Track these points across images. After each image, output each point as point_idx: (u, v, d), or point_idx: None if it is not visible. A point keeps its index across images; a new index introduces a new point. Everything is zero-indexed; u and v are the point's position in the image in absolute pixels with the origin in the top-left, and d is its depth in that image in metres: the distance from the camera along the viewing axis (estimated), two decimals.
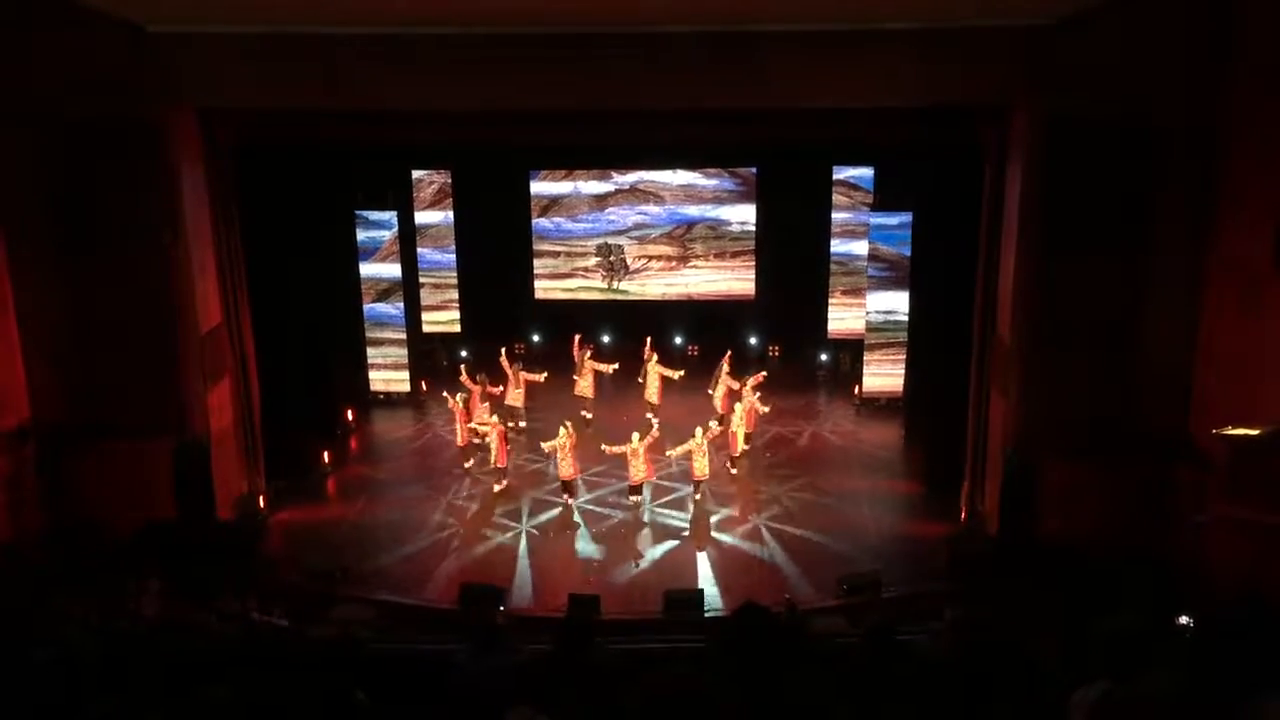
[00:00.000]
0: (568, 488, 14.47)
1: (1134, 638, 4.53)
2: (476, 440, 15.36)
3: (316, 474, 15.51)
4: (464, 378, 16.17)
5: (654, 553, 13.45)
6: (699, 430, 14.23)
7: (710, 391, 16.28)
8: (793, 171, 18.13)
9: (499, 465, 14.84)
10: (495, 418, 15.07)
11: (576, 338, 17.24)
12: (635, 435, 14.12)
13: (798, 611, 10.80)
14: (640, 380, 16.84)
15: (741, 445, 15.31)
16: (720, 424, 15.33)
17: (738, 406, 15.46)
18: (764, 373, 16.10)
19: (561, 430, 14.24)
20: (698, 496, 14.43)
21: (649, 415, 16.38)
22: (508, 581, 12.70)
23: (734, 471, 15.33)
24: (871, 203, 17.52)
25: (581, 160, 18.83)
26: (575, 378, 16.89)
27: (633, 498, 14.31)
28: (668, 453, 14.54)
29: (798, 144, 16.47)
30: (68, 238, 12.30)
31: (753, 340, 19.02)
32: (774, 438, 16.60)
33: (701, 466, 14.21)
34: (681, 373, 16.60)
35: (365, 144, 15.55)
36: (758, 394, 15.54)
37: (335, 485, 15.53)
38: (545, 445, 14.50)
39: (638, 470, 14.12)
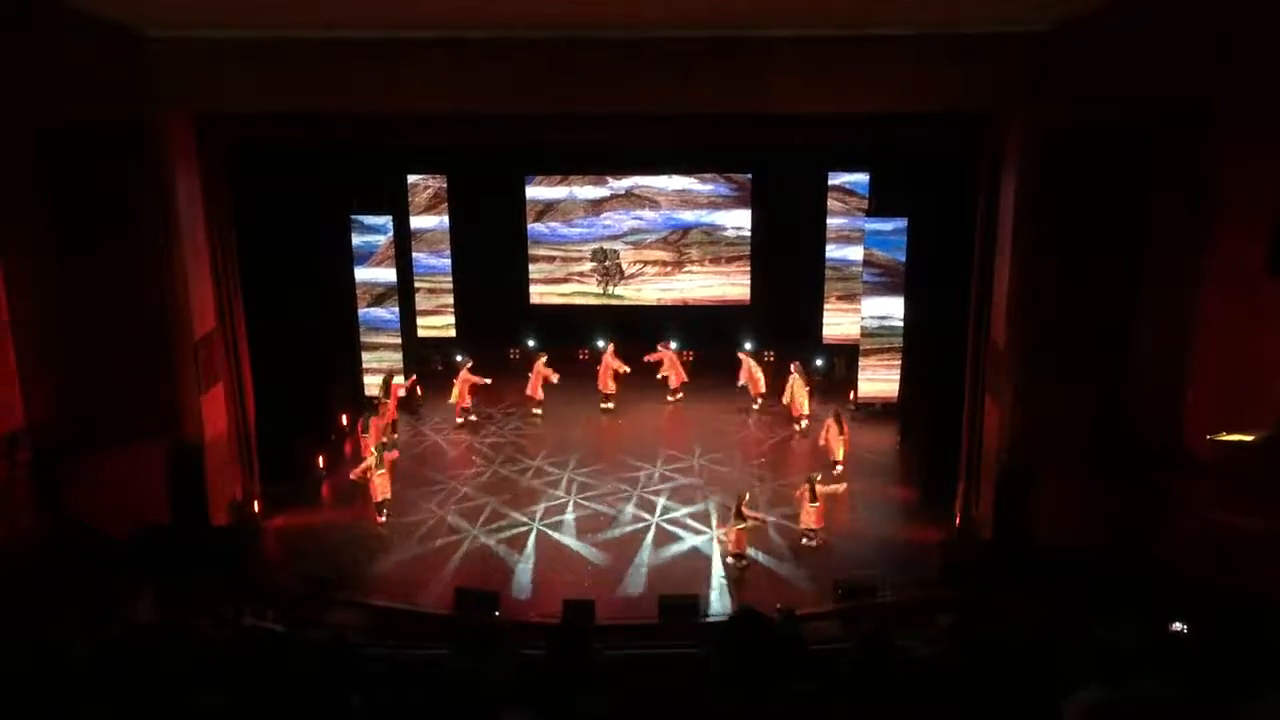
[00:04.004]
0: (381, 508, 14.23)
1: (1127, 643, 4.54)
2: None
3: (311, 478, 15.49)
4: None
5: (653, 557, 13.48)
6: (810, 480, 13.71)
7: (785, 402, 17.10)
8: (788, 177, 18.15)
9: (376, 500, 14.25)
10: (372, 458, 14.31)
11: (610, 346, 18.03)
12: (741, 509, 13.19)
13: (793, 617, 10.78)
14: (660, 377, 17.95)
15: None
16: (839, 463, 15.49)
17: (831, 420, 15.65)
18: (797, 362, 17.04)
19: (372, 453, 14.31)
20: (815, 544, 13.61)
21: (669, 397, 17.92)
22: (502, 586, 12.69)
23: (837, 473, 15.22)
24: (867, 208, 17.54)
25: (577, 165, 18.83)
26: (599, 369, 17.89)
27: (734, 561, 13.29)
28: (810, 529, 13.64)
29: (794, 149, 16.49)
30: (63, 241, 12.29)
31: (748, 345, 19.02)
32: (770, 443, 16.68)
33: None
34: (691, 353, 18.48)
35: (360, 148, 15.55)
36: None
37: (329, 490, 15.49)
38: (360, 471, 14.31)
39: (737, 540, 13.26)
